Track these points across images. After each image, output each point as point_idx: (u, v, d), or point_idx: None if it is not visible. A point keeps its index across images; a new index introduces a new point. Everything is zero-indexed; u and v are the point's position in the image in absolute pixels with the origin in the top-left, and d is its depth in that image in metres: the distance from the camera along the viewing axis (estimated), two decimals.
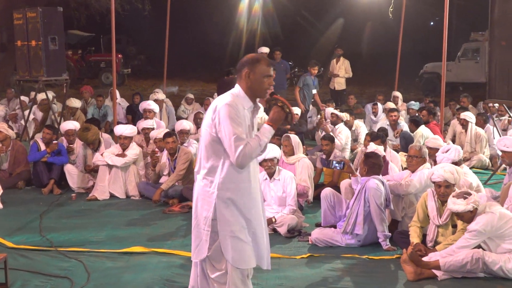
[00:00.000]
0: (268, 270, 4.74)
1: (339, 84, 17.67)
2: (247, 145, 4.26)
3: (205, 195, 4.44)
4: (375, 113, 14.85)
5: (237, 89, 4.47)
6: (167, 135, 9.37)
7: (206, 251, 4.48)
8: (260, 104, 4.61)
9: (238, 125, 4.28)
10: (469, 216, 6.09)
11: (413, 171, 7.62)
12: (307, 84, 14.32)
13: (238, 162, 4.27)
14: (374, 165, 7.23)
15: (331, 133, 11.59)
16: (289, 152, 8.84)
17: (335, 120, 12.03)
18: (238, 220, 4.43)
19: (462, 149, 8.04)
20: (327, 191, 7.60)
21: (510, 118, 12.60)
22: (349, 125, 12.75)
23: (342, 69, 17.62)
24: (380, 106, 14.88)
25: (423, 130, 11.41)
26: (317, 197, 8.99)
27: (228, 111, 4.28)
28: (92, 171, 9.94)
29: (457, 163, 7.52)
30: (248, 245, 4.48)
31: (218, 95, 4.68)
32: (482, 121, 12.67)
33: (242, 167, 4.34)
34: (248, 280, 4.60)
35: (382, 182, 7.05)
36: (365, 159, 7.36)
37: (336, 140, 10.96)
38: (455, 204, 6.10)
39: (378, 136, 9.73)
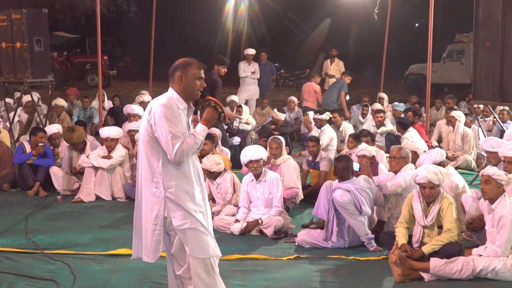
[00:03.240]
0: (254, 270, 4.76)
1: None
2: (183, 143, 4.44)
3: (153, 195, 4.56)
4: (364, 115, 14.91)
5: (170, 92, 4.64)
6: None
7: (159, 251, 4.63)
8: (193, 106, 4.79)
9: (173, 124, 4.45)
10: (496, 193, 6.16)
11: (395, 172, 7.64)
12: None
13: (175, 159, 4.44)
14: (336, 170, 7.28)
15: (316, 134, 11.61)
16: (278, 154, 8.84)
17: (321, 123, 12.00)
18: (190, 212, 4.54)
19: (449, 148, 8.11)
20: (329, 183, 7.47)
21: (495, 119, 12.67)
22: (337, 125, 12.78)
23: (336, 69, 17.65)
24: (370, 108, 14.92)
25: (410, 133, 11.34)
26: (303, 199, 9.01)
27: (163, 111, 4.45)
28: (77, 173, 9.90)
29: (440, 164, 7.56)
30: (205, 235, 4.62)
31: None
32: (470, 121, 12.75)
33: (179, 164, 4.51)
34: (214, 270, 4.67)
35: (348, 190, 6.99)
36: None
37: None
38: (492, 170, 6.23)
39: (368, 134, 9.76)
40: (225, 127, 11.99)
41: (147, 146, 4.55)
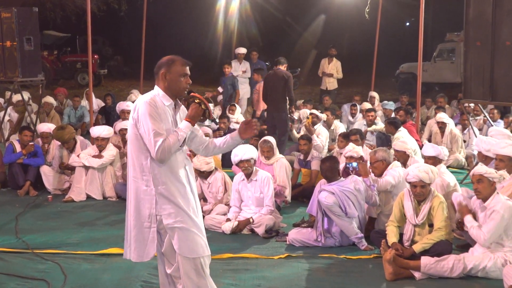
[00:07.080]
0: (245, 269, 4.72)
1: (331, 84, 17.75)
2: (166, 140, 4.42)
3: (144, 193, 4.56)
4: (353, 114, 14.89)
5: (156, 89, 4.64)
6: None
7: (154, 249, 4.62)
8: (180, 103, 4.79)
9: (156, 121, 4.44)
10: (489, 191, 6.19)
11: (379, 176, 7.58)
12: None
13: (157, 156, 4.43)
14: (322, 171, 7.33)
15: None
16: (269, 156, 8.84)
17: (315, 121, 12.01)
18: (180, 211, 4.54)
19: None
20: (323, 182, 7.46)
21: (485, 118, 12.71)
22: (328, 124, 12.77)
23: (333, 69, 17.69)
24: (358, 107, 14.94)
25: (400, 132, 11.30)
26: (294, 198, 9.02)
27: (147, 108, 4.45)
28: (66, 168, 9.85)
29: (435, 162, 7.58)
30: (195, 234, 4.60)
31: None
32: (466, 121, 12.79)
33: (162, 162, 4.49)
34: (204, 271, 4.66)
35: (333, 192, 7.00)
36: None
37: (318, 141, 11.00)
38: (483, 168, 6.26)
39: (357, 133, 9.75)
40: (211, 123, 12.07)
41: (135, 144, 4.56)
